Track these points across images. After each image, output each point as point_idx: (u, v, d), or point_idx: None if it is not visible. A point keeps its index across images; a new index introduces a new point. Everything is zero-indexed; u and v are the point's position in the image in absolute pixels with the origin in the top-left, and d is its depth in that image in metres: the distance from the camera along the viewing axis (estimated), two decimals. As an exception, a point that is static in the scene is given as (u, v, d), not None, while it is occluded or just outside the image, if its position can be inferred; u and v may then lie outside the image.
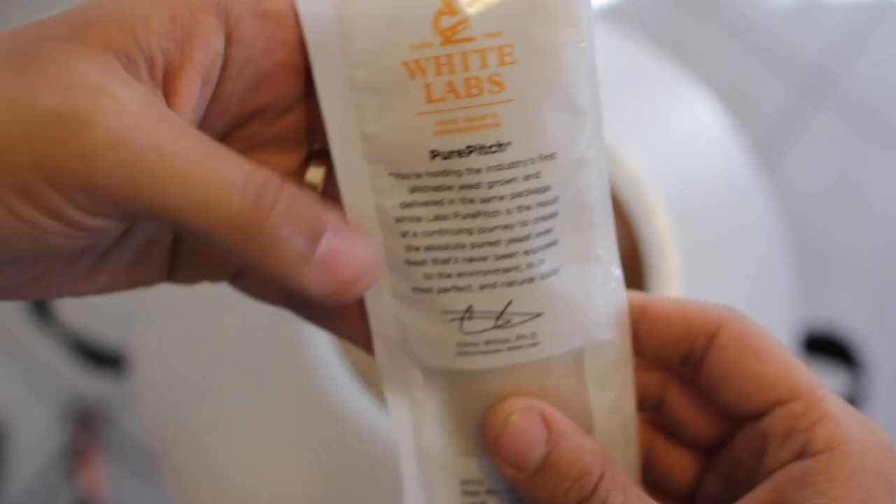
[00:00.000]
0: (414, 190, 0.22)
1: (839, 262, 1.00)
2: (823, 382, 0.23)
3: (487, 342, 0.23)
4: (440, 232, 0.22)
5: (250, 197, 0.18)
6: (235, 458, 0.48)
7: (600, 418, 0.24)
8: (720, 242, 0.51)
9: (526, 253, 0.22)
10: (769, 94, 1.04)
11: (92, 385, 0.89)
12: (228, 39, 0.20)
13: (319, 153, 0.23)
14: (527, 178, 0.21)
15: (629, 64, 0.55)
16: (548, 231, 0.22)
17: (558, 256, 0.22)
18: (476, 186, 0.21)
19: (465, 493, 0.25)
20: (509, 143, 0.21)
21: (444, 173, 0.21)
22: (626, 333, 0.24)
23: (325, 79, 0.21)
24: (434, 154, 0.21)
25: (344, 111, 0.21)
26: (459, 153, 0.21)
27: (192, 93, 0.19)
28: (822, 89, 1.04)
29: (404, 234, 0.22)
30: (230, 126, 0.22)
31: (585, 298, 0.23)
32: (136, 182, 0.17)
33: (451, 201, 0.21)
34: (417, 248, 0.22)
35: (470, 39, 0.20)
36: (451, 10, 0.20)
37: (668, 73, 0.55)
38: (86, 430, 0.89)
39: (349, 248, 0.20)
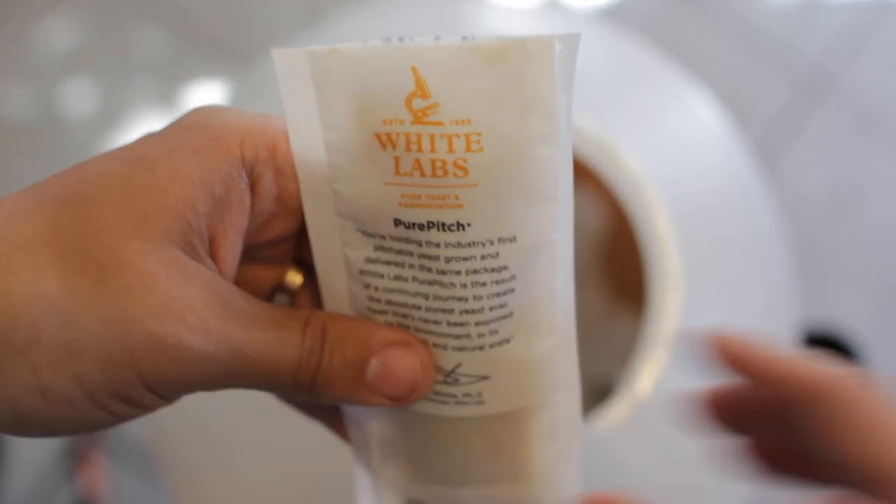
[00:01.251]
0: (378, 248, 0.22)
1: (839, 262, 1.00)
2: None
3: (436, 393, 0.24)
4: (399, 291, 0.22)
5: (305, 367, 0.21)
6: (235, 458, 0.48)
7: (542, 467, 0.25)
8: (720, 242, 0.51)
9: (477, 324, 0.22)
10: (769, 94, 1.04)
11: (92, 385, 0.89)
12: (251, 193, 0.22)
13: (297, 262, 0.25)
14: (484, 257, 0.21)
15: (629, 64, 0.55)
16: (502, 305, 0.22)
17: (512, 328, 0.23)
18: (434, 258, 0.21)
19: None
20: (469, 225, 0.21)
21: (407, 240, 0.21)
22: (575, 392, 0.25)
23: (300, 138, 0.21)
24: (398, 222, 0.21)
25: (319, 168, 0.22)
26: (420, 226, 0.21)
27: (234, 251, 0.22)
28: (821, 89, 1.04)
29: (367, 286, 0.23)
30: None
31: (536, 366, 0.23)
32: (222, 381, 0.21)
33: (411, 266, 0.22)
34: (378, 300, 0.23)
35: (439, 123, 0.20)
36: (423, 93, 0.20)
37: (668, 73, 0.55)
38: (86, 430, 0.89)
39: (397, 365, 0.22)
